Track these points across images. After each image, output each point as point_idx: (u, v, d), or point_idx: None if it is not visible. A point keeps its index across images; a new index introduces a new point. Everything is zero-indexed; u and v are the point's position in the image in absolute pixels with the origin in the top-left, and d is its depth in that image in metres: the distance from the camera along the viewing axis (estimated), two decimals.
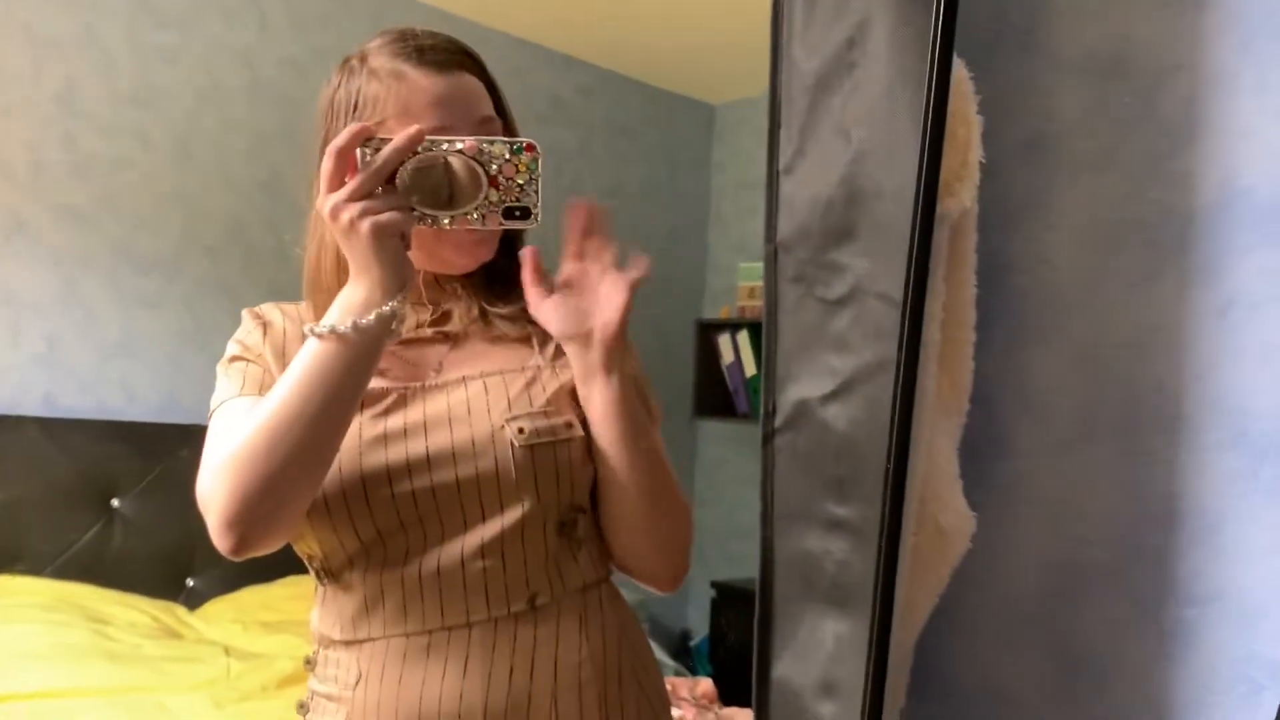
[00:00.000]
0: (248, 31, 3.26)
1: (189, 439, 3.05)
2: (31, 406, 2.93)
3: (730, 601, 3.92)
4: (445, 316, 1.14)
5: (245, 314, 1.15)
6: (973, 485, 1.02)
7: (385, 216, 0.93)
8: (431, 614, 1.03)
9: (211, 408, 1.08)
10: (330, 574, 1.08)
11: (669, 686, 2.59)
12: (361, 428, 1.03)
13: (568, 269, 1.06)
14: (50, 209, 2.92)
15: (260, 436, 0.94)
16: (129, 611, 2.81)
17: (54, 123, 2.91)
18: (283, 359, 1.08)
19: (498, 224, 0.97)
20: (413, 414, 1.04)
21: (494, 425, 1.03)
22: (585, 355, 1.03)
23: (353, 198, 0.93)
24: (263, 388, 1.05)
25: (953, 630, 1.04)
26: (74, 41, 2.93)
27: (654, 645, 3.66)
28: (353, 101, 1.09)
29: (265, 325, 1.13)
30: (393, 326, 0.97)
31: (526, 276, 1.06)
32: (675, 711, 2.14)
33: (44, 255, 2.92)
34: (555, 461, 1.03)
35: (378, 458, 1.02)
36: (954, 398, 1.01)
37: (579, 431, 1.06)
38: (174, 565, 3.08)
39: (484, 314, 1.13)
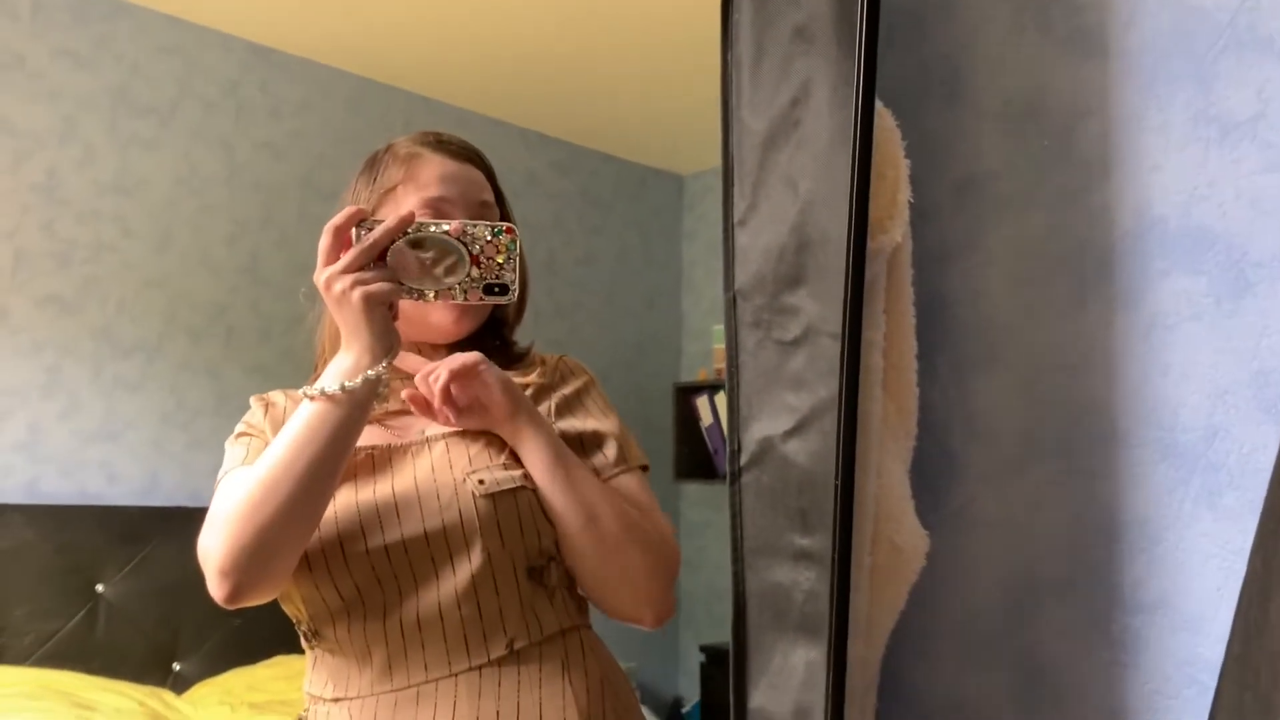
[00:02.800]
0: (225, 118, 3.36)
1: (171, 522, 3.07)
2: (15, 494, 2.95)
3: (721, 664, 3.90)
4: None
5: (252, 399, 1.24)
6: (928, 508, 1.07)
7: (375, 287, 1.02)
8: (416, 668, 1.07)
9: (218, 479, 1.15)
10: (317, 635, 1.12)
11: None
12: (337, 491, 1.09)
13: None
14: (32, 298, 2.97)
15: (255, 490, 1.02)
16: (115, 698, 2.79)
17: (35, 212, 2.97)
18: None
19: (478, 299, 1.05)
20: (382, 475, 1.11)
21: (456, 479, 1.10)
22: (500, 427, 1.14)
23: (346, 270, 1.02)
24: None
25: (917, 649, 1.08)
26: (54, 133, 3.01)
27: (646, 712, 3.64)
28: (373, 176, 1.21)
29: (268, 405, 1.22)
30: (379, 390, 1.05)
31: (436, 405, 1.14)
32: None
33: (26, 344, 2.96)
34: (516, 509, 1.10)
35: (351, 517, 1.08)
36: (901, 422, 1.07)
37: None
38: (159, 649, 3.07)
39: None
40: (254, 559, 1.01)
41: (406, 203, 1.16)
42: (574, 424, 1.21)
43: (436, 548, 1.08)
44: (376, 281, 1.02)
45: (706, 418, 4.18)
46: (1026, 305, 1.08)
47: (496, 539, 1.08)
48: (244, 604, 1.04)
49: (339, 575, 1.07)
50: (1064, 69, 1.09)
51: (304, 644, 1.16)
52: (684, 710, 4.32)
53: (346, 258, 1.02)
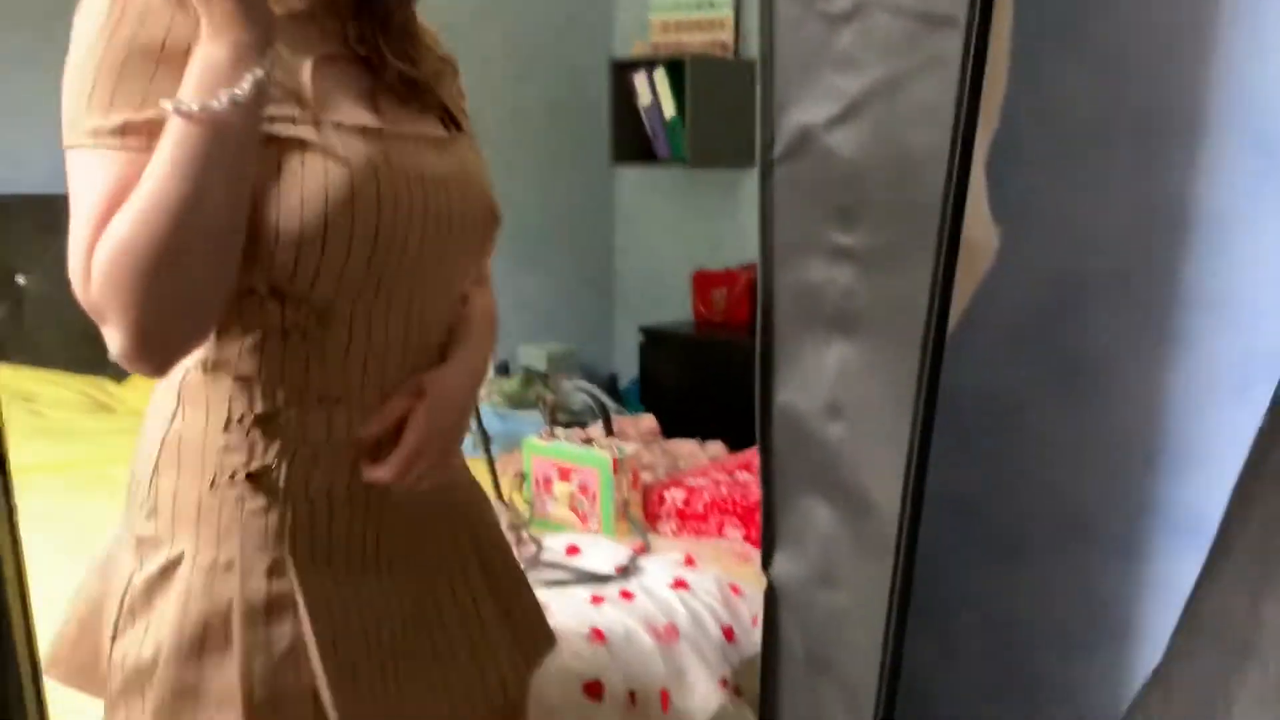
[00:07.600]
0: None
1: None
2: None
3: (659, 344, 3.98)
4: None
5: None
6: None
7: None
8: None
9: (68, 140, 0.90)
10: (319, 318, 0.97)
11: (616, 427, 2.66)
12: (380, 170, 0.91)
13: None
14: None
15: (156, 246, 0.83)
16: (55, 389, 2.73)
17: None
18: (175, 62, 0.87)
19: None
20: (430, 165, 0.96)
21: (486, 190, 1.00)
22: None
23: None
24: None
25: (952, 343, 1.06)
26: None
27: (590, 386, 3.68)
28: None
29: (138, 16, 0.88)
30: (266, 90, 0.83)
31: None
32: (629, 446, 2.19)
33: None
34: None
35: (399, 201, 0.92)
36: (985, 108, 0.98)
37: None
38: (94, 339, 2.94)
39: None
40: (179, 327, 0.87)
41: None
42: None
43: (460, 252, 0.99)
44: None
45: (645, 96, 3.98)
46: None
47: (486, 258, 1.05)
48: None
49: (370, 251, 0.91)
50: None
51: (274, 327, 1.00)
52: (621, 387, 4.45)
53: None
